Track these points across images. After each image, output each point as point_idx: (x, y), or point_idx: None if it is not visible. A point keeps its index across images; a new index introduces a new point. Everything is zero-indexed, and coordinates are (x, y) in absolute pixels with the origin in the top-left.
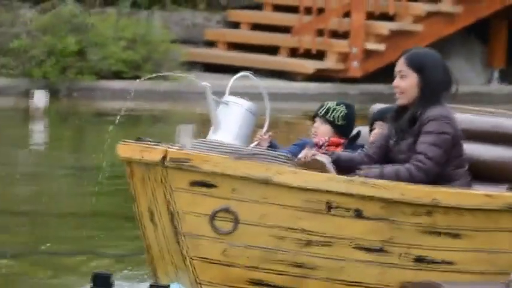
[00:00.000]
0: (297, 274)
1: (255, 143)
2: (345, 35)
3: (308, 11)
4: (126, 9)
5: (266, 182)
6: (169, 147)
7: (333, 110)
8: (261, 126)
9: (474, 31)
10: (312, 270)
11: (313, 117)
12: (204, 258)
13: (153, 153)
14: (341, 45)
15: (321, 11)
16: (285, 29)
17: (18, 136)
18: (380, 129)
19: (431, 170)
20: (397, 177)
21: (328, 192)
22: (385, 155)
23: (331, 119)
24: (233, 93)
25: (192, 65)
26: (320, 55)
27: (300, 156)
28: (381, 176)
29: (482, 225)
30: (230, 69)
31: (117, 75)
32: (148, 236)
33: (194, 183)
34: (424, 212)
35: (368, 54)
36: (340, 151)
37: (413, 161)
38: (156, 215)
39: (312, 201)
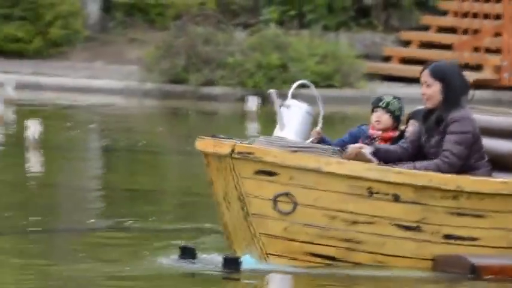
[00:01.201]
0: (346, 247)
1: (311, 138)
2: (497, 51)
3: (466, 31)
4: (318, 31)
5: (317, 171)
6: (236, 142)
7: (392, 103)
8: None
9: None
10: (358, 245)
11: (372, 109)
12: (269, 234)
13: (224, 147)
14: (494, 59)
15: (476, 31)
16: (447, 47)
17: (237, 132)
18: (412, 126)
19: (455, 164)
20: (426, 170)
21: (368, 179)
22: (417, 149)
23: (392, 110)
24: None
25: (372, 76)
26: (478, 67)
27: (347, 149)
28: (413, 166)
29: (500, 207)
30: (403, 80)
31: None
32: (223, 216)
33: (258, 172)
34: (451, 196)
35: None
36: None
37: (441, 157)
38: (229, 199)
39: (355, 187)
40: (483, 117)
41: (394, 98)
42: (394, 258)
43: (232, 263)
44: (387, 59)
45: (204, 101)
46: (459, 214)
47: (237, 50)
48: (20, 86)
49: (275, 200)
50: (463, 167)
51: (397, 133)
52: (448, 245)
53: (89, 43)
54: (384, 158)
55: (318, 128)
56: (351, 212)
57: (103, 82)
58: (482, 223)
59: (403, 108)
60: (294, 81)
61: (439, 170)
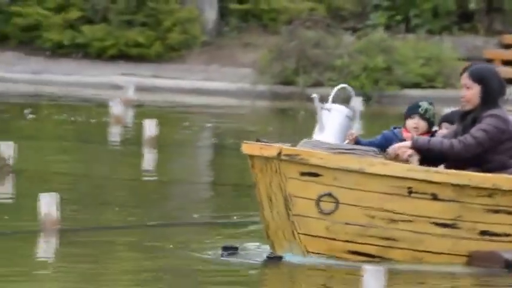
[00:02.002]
0: (385, 245)
1: (347, 140)
2: None
3: None
4: (422, 35)
5: (360, 172)
6: (283, 145)
7: (429, 110)
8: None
9: None
10: (397, 242)
11: (409, 115)
12: (311, 233)
13: (271, 149)
14: None
15: None
16: None
17: None
18: (445, 128)
19: (471, 147)
20: (441, 145)
21: (409, 179)
22: None
23: (428, 117)
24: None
25: None
26: None
27: (388, 150)
28: (428, 142)
29: None
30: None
31: (416, 86)
32: (266, 215)
33: (303, 173)
34: (487, 195)
35: None
36: None
37: (460, 137)
38: (273, 199)
39: (396, 186)
40: None
41: (430, 104)
42: (430, 254)
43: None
44: (489, 61)
45: (312, 102)
46: (494, 211)
47: (344, 53)
48: (140, 88)
49: (318, 200)
50: (493, 165)
51: (427, 136)
52: (483, 241)
53: (205, 47)
54: (423, 151)
55: (354, 130)
56: (391, 211)
57: (218, 84)
58: None
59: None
60: (398, 83)
61: (451, 146)
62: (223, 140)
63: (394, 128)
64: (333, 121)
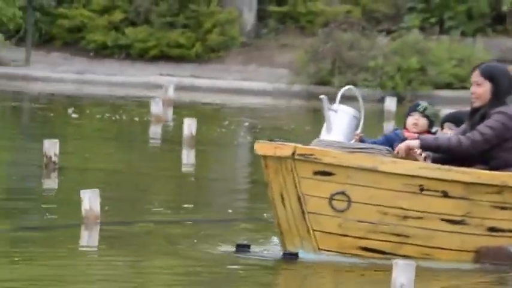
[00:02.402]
0: (397, 241)
1: (353, 140)
2: None
3: None
4: (456, 36)
5: (373, 170)
6: (297, 145)
7: (429, 108)
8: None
9: None
10: (408, 239)
11: (410, 112)
12: (324, 230)
13: (285, 149)
14: None
15: None
16: None
17: (375, 130)
18: (449, 129)
19: (478, 143)
20: (449, 142)
21: (420, 177)
22: None
23: (429, 114)
24: None
25: None
26: None
27: (398, 149)
28: (436, 139)
29: None
30: None
31: (449, 86)
32: (278, 214)
33: (317, 172)
34: (495, 191)
35: None
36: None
37: (467, 134)
38: (286, 198)
39: (408, 184)
40: None
41: (430, 104)
42: (440, 250)
43: (290, 258)
44: None
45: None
46: (502, 208)
47: (379, 55)
48: (179, 88)
49: (331, 199)
50: (498, 163)
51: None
52: (490, 237)
53: (243, 48)
54: (430, 149)
55: (359, 131)
56: (403, 208)
57: (255, 84)
58: None
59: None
60: (431, 83)
61: (459, 145)
62: (259, 138)
63: (396, 130)
64: (340, 122)
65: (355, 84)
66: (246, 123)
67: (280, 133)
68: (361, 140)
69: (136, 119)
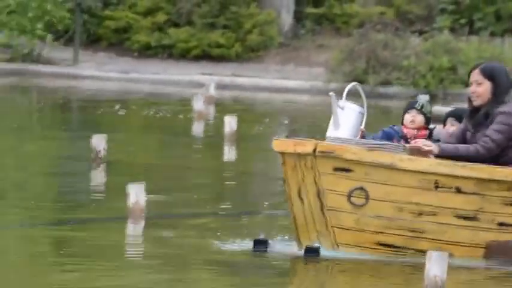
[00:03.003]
0: (412, 236)
1: (358, 135)
2: None
3: None
4: (485, 37)
5: (391, 167)
6: (318, 142)
7: (426, 105)
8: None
9: None
10: (422, 233)
11: (407, 109)
12: (342, 226)
13: (306, 146)
14: None
15: None
16: None
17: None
18: (451, 124)
19: (492, 149)
20: (467, 152)
21: (436, 174)
22: (462, 144)
23: (425, 112)
24: None
25: None
26: None
27: (414, 145)
28: (456, 149)
29: None
30: None
31: None
32: (294, 210)
33: (336, 169)
34: (506, 188)
35: None
36: None
37: (481, 142)
38: (304, 194)
39: (424, 180)
40: None
41: (427, 100)
42: (452, 245)
43: (312, 252)
44: None
45: (380, 99)
46: (511, 204)
47: (412, 54)
48: (220, 86)
49: (350, 195)
50: (506, 159)
51: (427, 132)
52: (501, 232)
53: (281, 48)
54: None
55: (362, 127)
56: (418, 204)
57: (293, 82)
58: None
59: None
60: (461, 82)
61: (477, 153)
62: (297, 134)
63: (393, 126)
64: (347, 118)
65: (389, 83)
66: (285, 120)
67: (317, 129)
68: (363, 136)
69: (180, 115)
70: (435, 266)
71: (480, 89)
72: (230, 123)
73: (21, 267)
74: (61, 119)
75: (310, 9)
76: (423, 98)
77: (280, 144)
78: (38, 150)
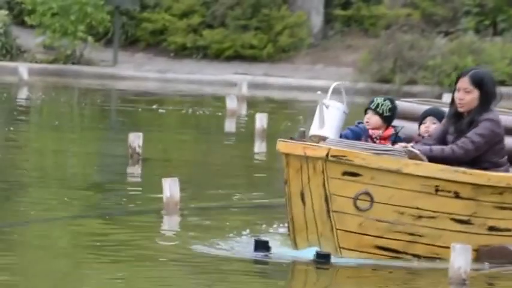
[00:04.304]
0: (409, 240)
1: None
2: None
3: None
4: (509, 37)
5: (397, 172)
6: (331, 147)
7: (381, 104)
8: None
9: None
10: (420, 238)
11: (365, 110)
12: (346, 229)
13: (318, 150)
14: None
15: None
16: None
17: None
18: (432, 122)
19: (470, 151)
20: (442, 152)
21: (437, 179)
22: (442, 145)
23: (381, 112)
24: None
25: None
26: None
27: (406, 150)
28: (430, 151)
29: None
30: None
31: (502, 83)
32: (294, 211)
33: (345, 173)
34: (498, 192)
35: None
36: (388, 142)
37: (458, 142)
38: (307, 196)
39: (426, 185)
40: (505, 117)
41: (386, 99)
42: (446, 249)
43: (323, 257)
44: None
45: (406, 98)
46: (501, 208)
47: (437, 54)
48: (252, 86)
49: (356, 199)
50: (488, 165)
51: (392, 131)
52: (491, 236)
53: (311, 49)
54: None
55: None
56: (418, 208)
57: (322, 82)
58: None
59: (396, 108)
60: None
61: (453, 154)
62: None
63: (360, 123)
64: (332, 117)
65: (415, 82)
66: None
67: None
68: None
69: (213, 113)
70: (459, 257)
71: (468, 97)
72: (261, 120)
73: (61, 258)
74: (100, 117)
75: (338, 11)
76: (379, 98)
77: (287, 146)
78: (78, 147)
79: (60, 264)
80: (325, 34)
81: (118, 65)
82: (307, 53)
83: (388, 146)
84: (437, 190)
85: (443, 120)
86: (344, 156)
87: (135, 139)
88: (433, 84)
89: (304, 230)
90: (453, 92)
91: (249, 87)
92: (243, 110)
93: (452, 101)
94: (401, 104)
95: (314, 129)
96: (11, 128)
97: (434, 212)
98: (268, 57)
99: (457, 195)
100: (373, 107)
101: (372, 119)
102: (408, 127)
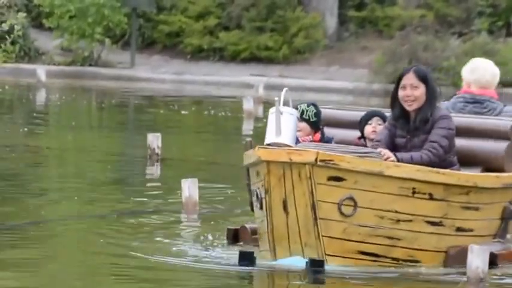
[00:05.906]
0: (388, 244)
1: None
2: None
3: None
4: None
5: (378, 175)
6: (319, 151)
7: (306, 111)
8: None
9: None
10: (397, 241)
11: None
12: (331, 236)
13: (305, 155)
14: None
15: None
16: None
17: None
18: (378, 123)
19: (442, 155)
20: (421, 159)
21: (414, 180)
22: (390, 148)
23: (307, 118)
24: None
25: None
26: None
27: (382, 153)
28: (411, 159)
29: (488, 200)
30: None
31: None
32: (274, 221)
33: (330, 178)
34: (465, 192)
35: None
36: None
37: (430, 148)
38: (290, 205)
39: (403, 188)
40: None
41: (309, 105)
42: (420, 252)
43: (317, 265)
44: None
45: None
46: (466, 208)
47: (451, 55)
48: (268, 87)
49: (340, 204)
50: (445, 163)
51: (319, 135)
52: (457, 237)
53: (326, 50)
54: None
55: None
56: (396, 211)
57: (337, 83)
58: (478, 215)
59: (320, 112)
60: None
61: (430, 159)
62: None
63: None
64: (287, 123)
65: None
66: None
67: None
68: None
69: (230, 114)
70: (477, 258)
71: (417, 93)
72: None
73: (82, 257)
74: (118, 119)
75: (353, 13)
76: (303, 105)
77: (269, 153)
78: (97, 148)
79: (78, 262)
80: (340, 35)
81: (135, 67)
82: (322, 55)
83: (367, 148)
84: (414, 192)
85: (386, 124)
86: (331, 160)
87: (154, 139)
88: (448, 85)
89: (286, 239)
90: (394, 93)
91: (265, 89)
92: (260, 111)
93: (394, 101)
94: (324, 111)
95: (271, 138)
96: (30, 129)
97: (411, 215)
98: (284, 59)
99: (431, 197)
100: (299, 114)
101: (301, 126)
102: (330, 132)
